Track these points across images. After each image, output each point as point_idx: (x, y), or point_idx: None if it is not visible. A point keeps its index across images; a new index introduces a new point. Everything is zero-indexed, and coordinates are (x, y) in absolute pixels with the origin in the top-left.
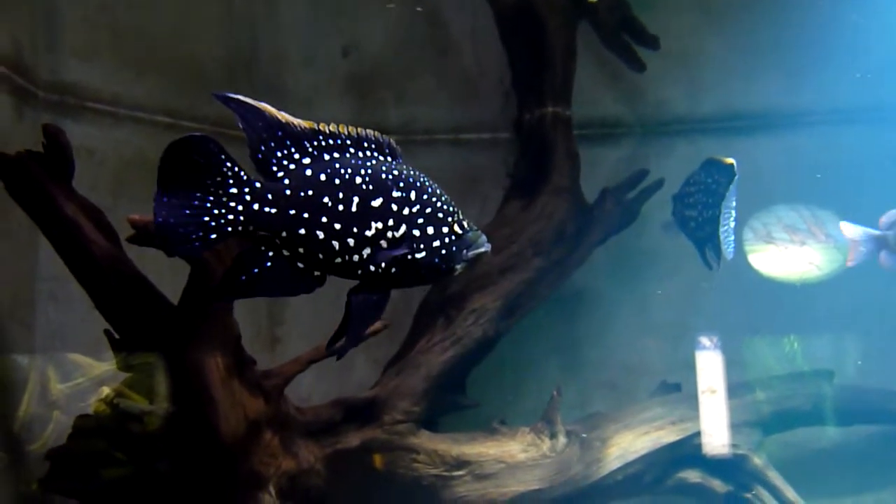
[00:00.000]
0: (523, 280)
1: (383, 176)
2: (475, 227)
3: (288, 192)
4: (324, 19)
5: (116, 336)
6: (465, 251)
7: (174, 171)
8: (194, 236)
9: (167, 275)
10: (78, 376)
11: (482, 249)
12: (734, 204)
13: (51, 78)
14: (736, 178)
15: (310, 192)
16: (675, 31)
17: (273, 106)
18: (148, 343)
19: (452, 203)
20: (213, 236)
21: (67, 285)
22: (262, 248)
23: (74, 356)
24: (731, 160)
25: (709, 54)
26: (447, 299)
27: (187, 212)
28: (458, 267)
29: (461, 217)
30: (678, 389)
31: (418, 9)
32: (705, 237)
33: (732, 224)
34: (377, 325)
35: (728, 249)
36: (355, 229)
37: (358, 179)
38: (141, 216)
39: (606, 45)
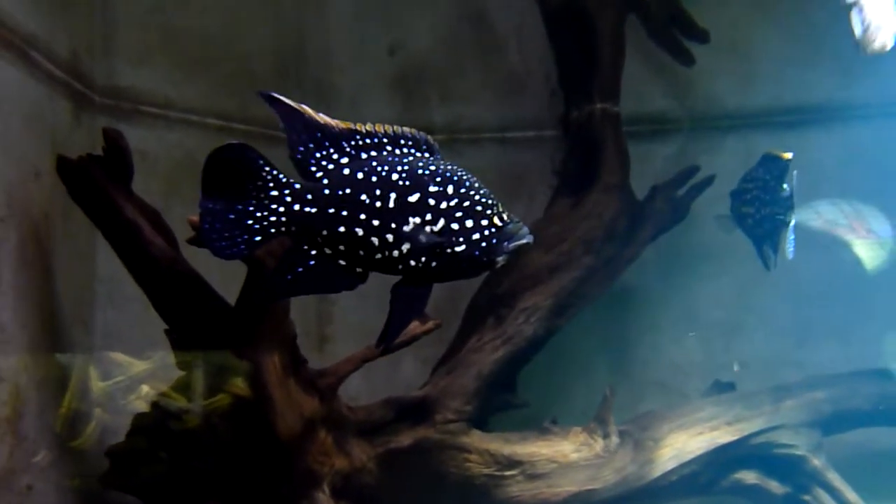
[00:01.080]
0: (574, 279)
1: (420, 172)
2: (516, 219)
3: (327, 191)
4: (370, 18)
5: (175, 336)
6: (505, 243)
7: (216, 179)
8: (239, 239)
9: (222, 274)
10: (118, 374)
11: (523, 241)
12: (794, 201)
13: (106, 82)
14: (794, 173)
15: (348, 191)
16: (724, 22)
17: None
18: (206, 343)
19: (492, 196)
20: (258, 238)
21: (123, 286)
22: (305, 247)
23: (114, 354)
24: (788, 155)
25: (760, 46)
26: (497, 298)
27: (231, 216)
28: (500, 259)
29: (501, 209)
30: (732, 389)
31: None
32: (763, 235)
33: (792, 222)
34: (429, 324)
35: (789, 249)
36: (393, 225)
37: (395, 176)
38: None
39: (654, 40)
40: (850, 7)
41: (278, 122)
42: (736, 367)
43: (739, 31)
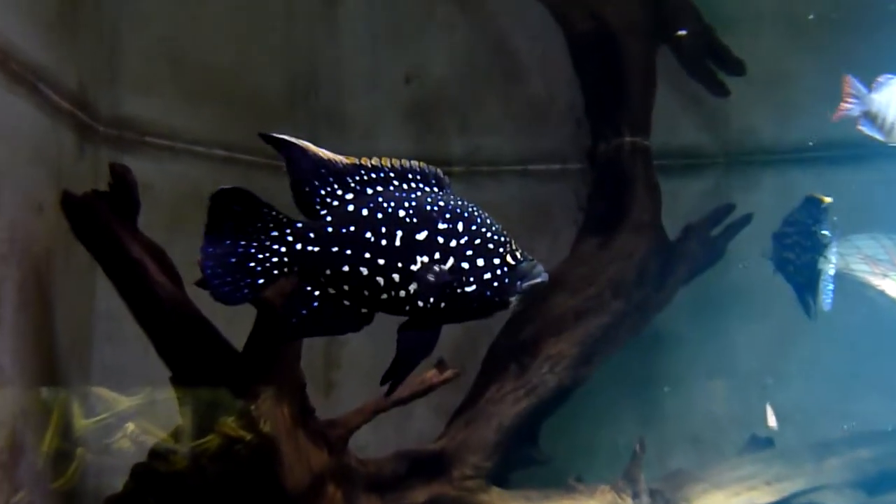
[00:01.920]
0: (602, 324)
1: (428, 208)
2: (530, 257)
3: (330, 229)
4: (385, 45)
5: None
6: (519, 282)
7: (216, 223)
8: (242, 283)
9: (227, 316)
10: (103, 411)
11: (537, 280)
12: (835, 248)
13: (110, 112)
14: (834, 219)
15: (352, 228)
16: (760, 53)
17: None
18: (211, 384)
19: (504, 233)
20: (261, 281)
21: (122, 325)
22: (309, 288)
23: (99, 390)
24: (828, 199)
25: (799, 77)
26: (519, 345)
27: (233, 260)
28: (513, 299)
29: (514, 247)
30: (771, 445)
31: None
32: (804, 283)
33: (832, 270)
34: (448, 373)
35: (826, 301)
36: (400, 264)
37: (401, 212)
38: None
39: (688, 70)
40: (859, 118)
41: (279, 159)
42: (772, 422)
43: (776, 62)
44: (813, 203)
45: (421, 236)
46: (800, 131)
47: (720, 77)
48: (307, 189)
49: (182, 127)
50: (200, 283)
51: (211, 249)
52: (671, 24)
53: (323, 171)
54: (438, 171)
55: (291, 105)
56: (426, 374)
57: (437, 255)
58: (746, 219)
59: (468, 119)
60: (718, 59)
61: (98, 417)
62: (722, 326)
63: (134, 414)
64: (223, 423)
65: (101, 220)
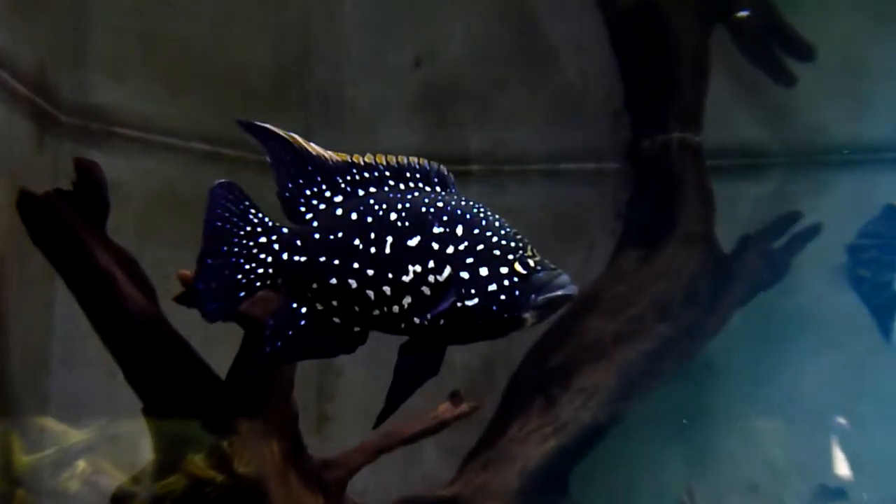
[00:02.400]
0: (644, 352)
1: (423, 210)
2: (551, 266)
3: (317, 236)
4: (392, 22)
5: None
6: (533, 296)
7: (218, 227)
8: (225, 297)
9: (203, 335)
10: (49, 446)
11: (559, 293)
12: None
13: (74, 99)
14: None
15: (339, 235)
16: (834, 36)
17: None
18: (185, 415)
19: (517, 238)
20: (242, 294)
21: (85, 346)
22: (295, 304)
23: (44, 420)
24: None
25: (879, 65)
26: (547, 374)
27: (226, 272)
28: (527, 316)
29: (529, 253)
30: (843, 496)
31: None
32: (882, 304)
33: None
34: (463, 406)
35: None
36: (390, 275)
37: (393, 216)
38: (193, 271)
39: (747, 55)
40: None
41: (261, 152)
42: (844, 470)
43: (853, 47)
44: (892, 212)
45: (413, 242)
46: (879, 128)
47: (786, 63)
48: (292, 189)
49: (156, 116)
50: (181, 299)
51: (210, 261)
52: (728, 0)
53: (310, 168)
54: (442, 168)
55: (280, 91)
56: (438, 407)
57: (431, 264)
58: (815, 229)
59: (488, 109)
60: (784, 42)
61: (42, 454)
62: (785, 356)
63: (87, 449)
64: (190, 461)
65: (64, 223)
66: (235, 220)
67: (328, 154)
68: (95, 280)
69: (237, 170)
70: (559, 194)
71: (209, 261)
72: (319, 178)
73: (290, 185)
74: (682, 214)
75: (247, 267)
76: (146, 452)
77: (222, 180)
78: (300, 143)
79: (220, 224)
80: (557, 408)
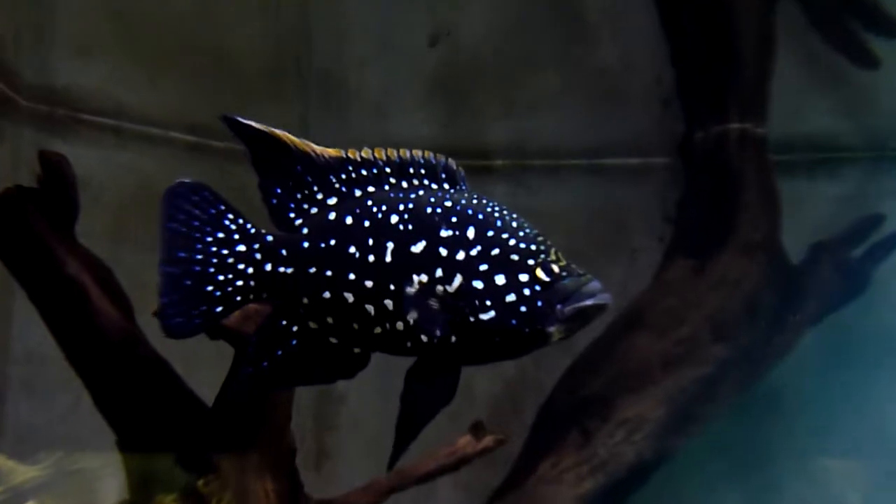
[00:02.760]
0: (698, 377)
1: (428, 210)
2: (578, 271)
3: (306, 244)
4: None
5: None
6: (559, 306)
7: (175, 231)
8: (195, 311)
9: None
10: None
11: (588, 302)
12: None
13: (37, 81)
14: None
15: (332, 243)
16: None
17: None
18: (165, 448)
19: (539, 239)
20: (219, 309)
21: (47, 369)
22: (284, 322)
23: None
24: None
25: None
26: (583, 404)
27: (188, 283)
28: (552, 330)
29: (553, 257)
30: None
31: None
32: None
33: None
34: (487, 440)
35: None
36: (392, 286)
37: (394, 218)
38: None
39: (822, 33)
40: None
41: (245, 155)
42: None
43: None
44: None
45: (417, 248)
46: None
47: (867, 42)
48: (280, 193)
49: (132, 102)
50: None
51: (170, 269)
52: None
53: (299, 168)
54: (451, 162)
55: (276, 74)
56: (457, 441)
57: (439, 273)
58: None
59: (515, 95)
60: (865, 17)
61: None
62: (864, 383)
63: (38, 488)
64: (158, 502)
65: (26, 225)
66: (201, 224)
67: (319, 150)
68: (62, 291)
69: (227, 164)
70: (598, 194)
71: (166, 269)
72: (310, 179)
73: (277, 190)
74: (742, 218)
75: (221, 278)
76: (109, 492)
77: (186, 180)
78: (287, 140)
79: (177, 227)
80: (595, 443)
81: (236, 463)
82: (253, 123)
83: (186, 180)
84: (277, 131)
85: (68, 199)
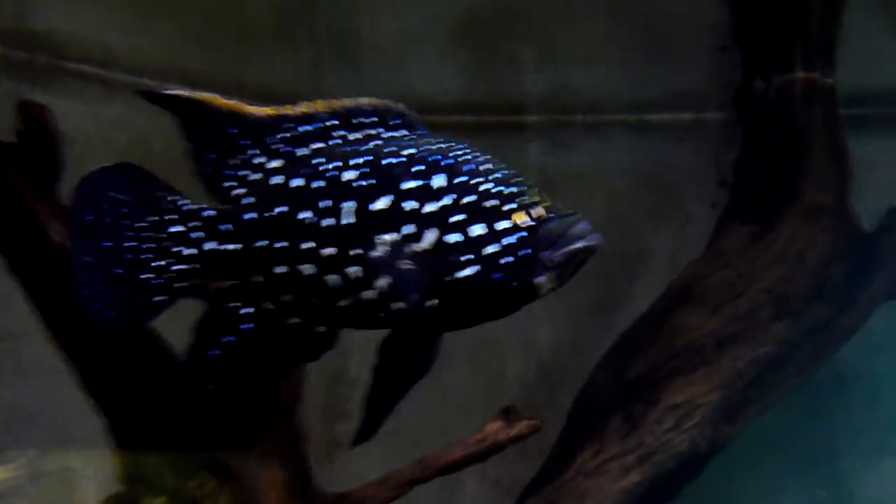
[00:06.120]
0: (756, 358)
1: (388, 161)
2: (564, 211)
3: (252, 215)
4: None
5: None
6: (546, 253)
7: (92, 221)
8: (134, 303)
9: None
10: None
11: (578, 245)
12: None
13: (15, 24)
14: None
15: (280, 210)
16: None
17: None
18: (167, 444)
19: (516, 179)
20: (159, 298)
21: (25, 348)
22: (235, 302)
23: None
24: None
25: None
26: (627, 388)
27: (119, 271)
28: (542, 280)
29: (534, 197)
30: None
31: None
32: None
33: None
34: (521, 425)
35: None
36: (355, 251)
37: (348, 175)
38: None
39: None
40: None
41: (179, 127)
42: None
43: None
44: None
45: (380, 205)
46: None
47: None
48: (214, 159)
49: (122, 48)
50: None
51: (87, 258)
52: None
53: (232, 130)
54: (401, 105)
55: (283, 23)
56: (486, 427)
57: (407, 230)
58: None
59: (551, 43)
60: None
61: None
62: None
63: (10, 491)
64: None
65: (5, 185)
66: (130, 210)
67: (252, 108)
68: (46, 259)
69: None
70: (644, 154)
71: (86, 259)
72: (246, 142)
73: (210, 156)
74: (808, 180)
75: (158, 264)
76: (89, 497)
77: (107, 164)
78: (213, 102)
79: (99, 218)
80: (641, 430)
81: (234, 458)
82: (172, 91)
83: (108, 164)
84: (202, 94)
85: (52, 156)
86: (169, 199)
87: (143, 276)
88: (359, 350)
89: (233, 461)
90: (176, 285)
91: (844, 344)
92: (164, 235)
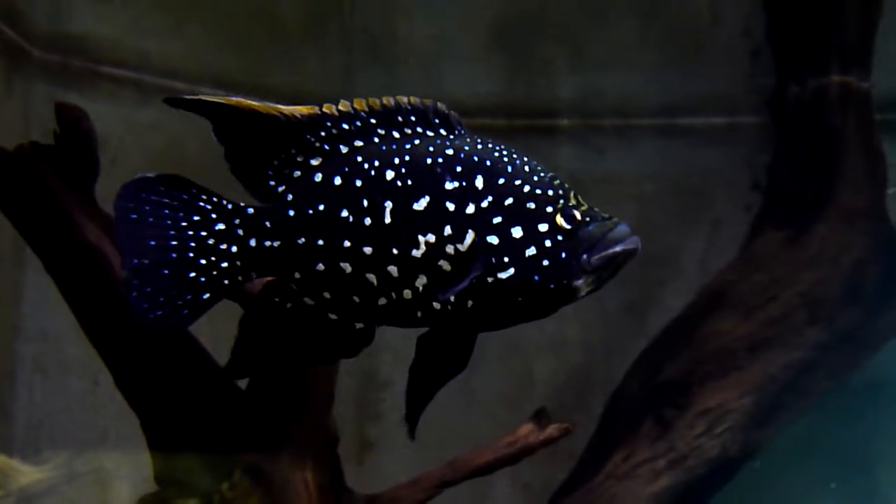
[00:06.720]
0: (789, 363)
1: (429, 161)
2: (603, 215)
3: (292, 212)
4: None
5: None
6: (584, 256)
7: (137, 221)
8: (181, 302)
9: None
10: None
11: (617, 248)
12: None
13: (50, 28)
14: None
15: (321, 207)
16: None
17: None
18: (201, 445)
19: (556, 183)
20: (206, 296)
21: (63, 348)
22: (277, 299)
23: None
24: None
25: None
26: (658, 391)
27: (166, 272)
28: (579, 284)
29: (573, 201)
30: None
31: None
32: None
33: None
34: (551, 428)
35: None
36: (395, 250)
37: (389, 174)
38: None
39: None
40: None
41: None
42: None
43: None
44: None
45: (421, 205)
46: None
47: None
48: (252, 160)
49: (156, 52)
50: None
51: (136, 261)
52: None
53: (269, 133)
54: (441, 105)
55: (317, 23)
56: (518, 430)
57: (448, 231)
58: None
59: (584, 47)
60: None
61: None
62: None
63: (45, 492)
64: None
65: (41, 186)
66: (172, 211)
67: (288, 109)
68: (81, 259)
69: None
70: (676, 158)
71: (133, 261)
72: (285, 142)
73: (249, 159)
74: (842, 183)
75: (203, 262)
76: (123, 498)
77: (149, 174)
78: (248, 105)
79: (143, 219)
80: (673, 434)
81: (266, 460)
82: (204, 98)
83: (149, 174)
84: (234, 99)
85: (87, 158)
86: (210, 199)
87: (190, 275)
88: (390, 351)
89: (265, 463)
90: (222, 282)
91: (879, 349)
92: (207, 234)
